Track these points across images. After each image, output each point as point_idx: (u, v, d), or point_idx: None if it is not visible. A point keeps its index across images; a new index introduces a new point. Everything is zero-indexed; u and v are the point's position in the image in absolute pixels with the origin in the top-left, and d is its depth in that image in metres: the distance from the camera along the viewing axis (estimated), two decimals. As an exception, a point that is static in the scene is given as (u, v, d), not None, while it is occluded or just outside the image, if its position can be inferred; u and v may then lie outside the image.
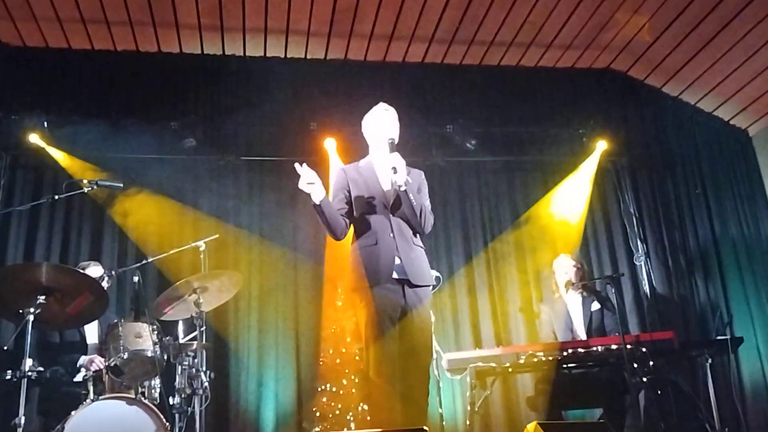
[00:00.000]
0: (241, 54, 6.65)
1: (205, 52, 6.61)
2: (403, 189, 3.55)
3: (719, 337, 5.93)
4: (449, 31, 6.49)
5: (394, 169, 3.52)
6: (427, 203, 3.75)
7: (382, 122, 3.76)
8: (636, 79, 7.23)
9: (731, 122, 7.32)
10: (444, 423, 5.20)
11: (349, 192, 3.71)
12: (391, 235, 3.60)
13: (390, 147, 3.62)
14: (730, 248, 6.88)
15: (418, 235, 3.71)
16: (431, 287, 3.73)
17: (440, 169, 6.75)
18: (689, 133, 7.32)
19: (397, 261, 3.58)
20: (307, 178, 3.44)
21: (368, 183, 3.71)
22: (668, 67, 6.90)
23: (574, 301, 5.42)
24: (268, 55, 6.68)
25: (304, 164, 3.47)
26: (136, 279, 4.67)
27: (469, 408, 4.80)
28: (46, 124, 5.96)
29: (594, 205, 6.96)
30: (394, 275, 3.56)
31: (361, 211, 3.68)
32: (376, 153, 3.79)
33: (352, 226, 3.73)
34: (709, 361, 5.28)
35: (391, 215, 3.64)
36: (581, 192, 6.84)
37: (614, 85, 7.22)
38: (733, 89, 6.88)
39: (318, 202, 3.49)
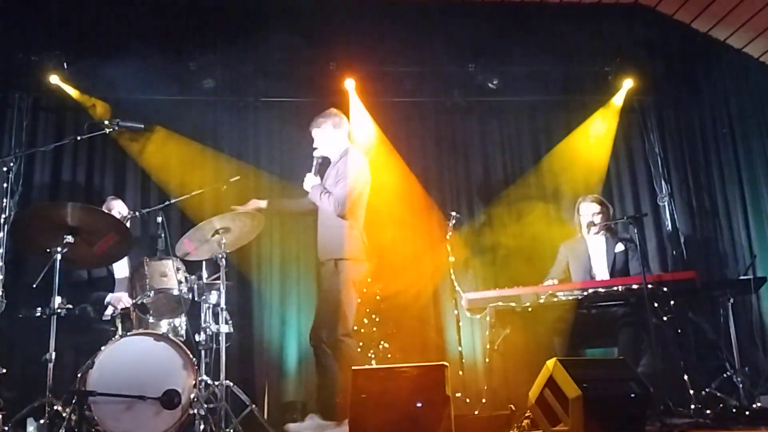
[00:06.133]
0: (260, -9, 6.52)
1: (222, -10, 6.49)
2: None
3: (742, 277, 5.90)
4: (472, -35, 6.30)
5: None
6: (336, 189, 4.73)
7: None
8: (665, 14, 6.98)
9: (761, 59, 7.09)
10: (464, 360, 5.28)
11: None
12: None
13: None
14: (755, 189, 6.76)
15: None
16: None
17: (462, 109, 6.67)
18: (718, 71, 7.10)
19: None
20: None
21: None
22: (698, 1, 6.65)
23: (597, 242, 5.40)
24: (286, -8, 6.54)
25: None
26: (159, 219, 4.73)
27: (488, 346, 4.86)
28: (65, 65, 5.96)
29: (618, 145, 6.84)
30: None
31: None
32: None
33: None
34: (731, 300, 5.28)
35: None
36: (605, 132, 6.73)
37: (642, 20, 6.98)
38: (764, 25, 6.64)
39: None
